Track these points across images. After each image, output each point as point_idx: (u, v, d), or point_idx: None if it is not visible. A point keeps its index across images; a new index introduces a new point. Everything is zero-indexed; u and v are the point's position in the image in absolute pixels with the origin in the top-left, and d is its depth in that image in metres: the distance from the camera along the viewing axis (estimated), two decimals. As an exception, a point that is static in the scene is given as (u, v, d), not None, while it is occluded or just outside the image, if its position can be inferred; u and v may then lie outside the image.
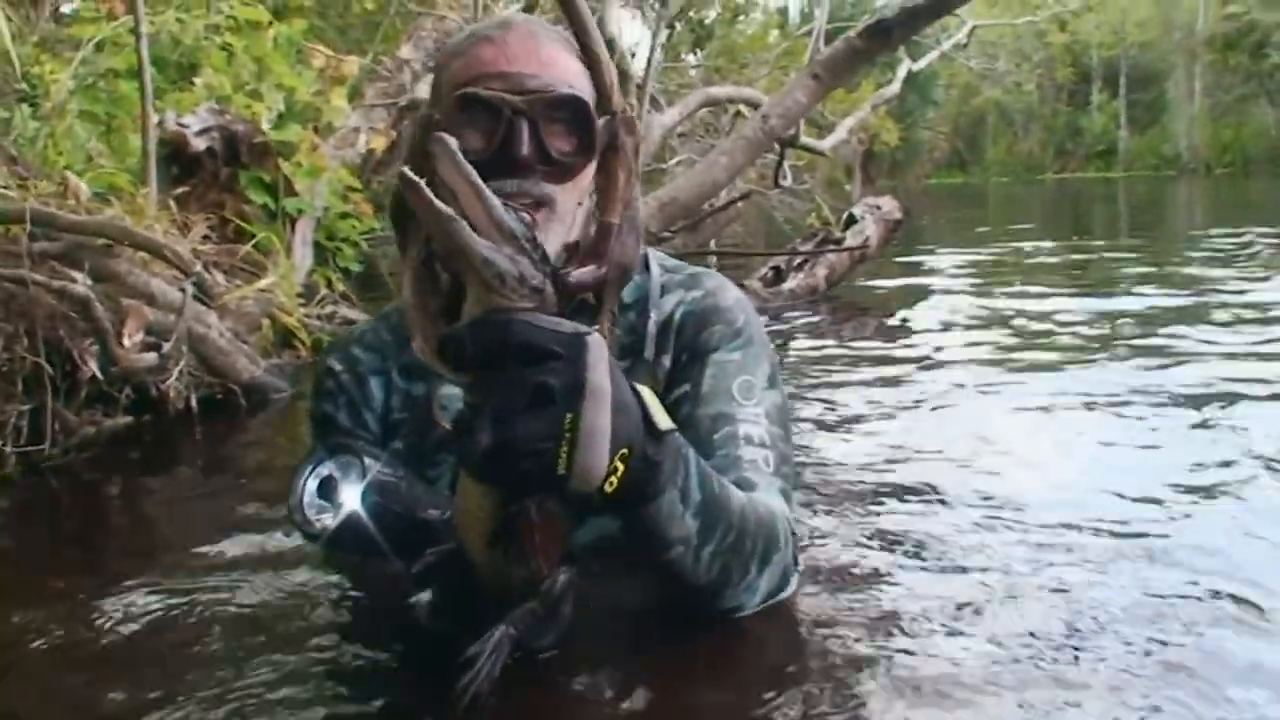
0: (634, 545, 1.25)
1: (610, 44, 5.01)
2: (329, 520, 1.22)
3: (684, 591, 1.30)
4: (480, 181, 1.03)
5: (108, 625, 1.61)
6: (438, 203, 1.00)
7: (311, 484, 1.24)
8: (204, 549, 1.99)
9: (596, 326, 1.44)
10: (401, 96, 7.14)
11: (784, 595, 1.43)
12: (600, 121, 1.38)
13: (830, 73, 4.57)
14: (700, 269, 1.63)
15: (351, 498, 1.22)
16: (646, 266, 1.57)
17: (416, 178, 1.02)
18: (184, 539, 2.10)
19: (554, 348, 1.01)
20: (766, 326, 1.65)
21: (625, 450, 1.07)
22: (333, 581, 1.68)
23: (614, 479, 1.06)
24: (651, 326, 1.53)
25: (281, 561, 1.85)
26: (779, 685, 1.27)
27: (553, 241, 1.35)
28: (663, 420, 1.14)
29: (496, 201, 1.03)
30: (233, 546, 1.98)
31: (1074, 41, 40.30)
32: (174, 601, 1.68)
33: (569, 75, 1.39)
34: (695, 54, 11.97)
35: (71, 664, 1.51)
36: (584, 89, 1.40)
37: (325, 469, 1.25)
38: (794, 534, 1.42)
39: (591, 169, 1.41)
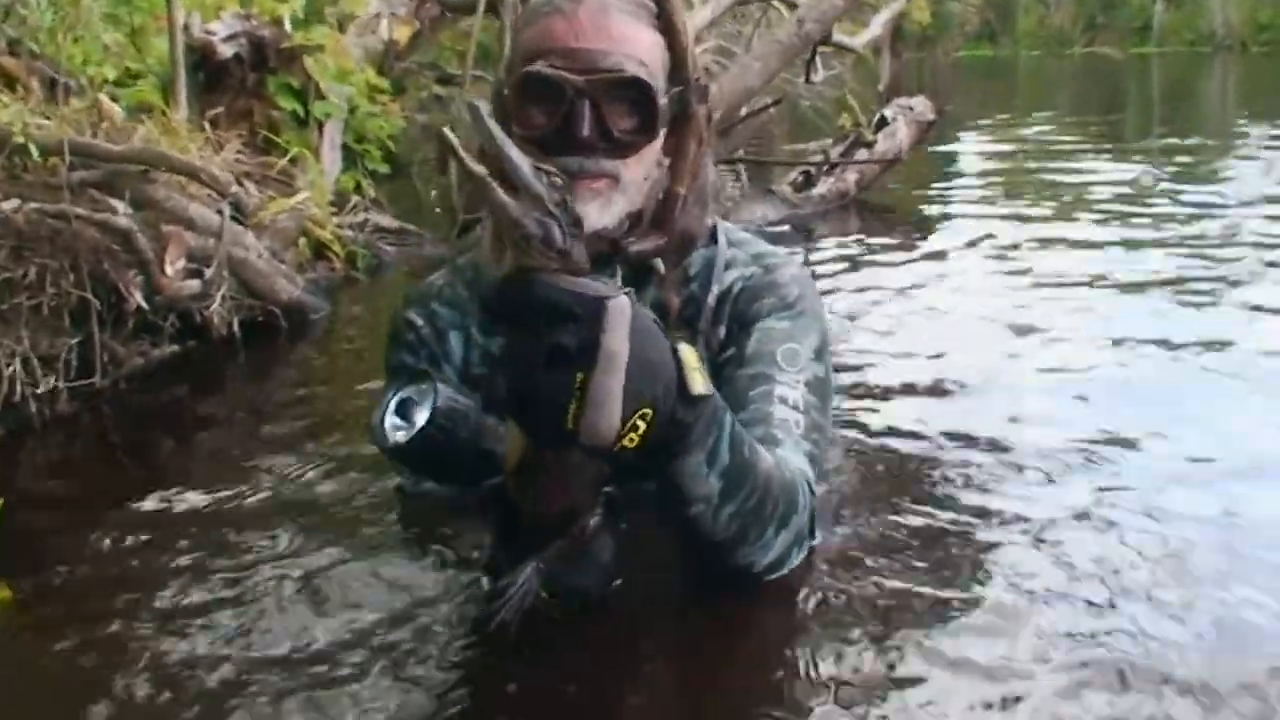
0: (660, 497, 1.29)
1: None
2: (401, 436, 1.29)
3: (699, 544, 1.34)
4: (508, 146, 1.05)
5: (165, 548, 1.75)
6: (471, 163, 1.03)
7: (394, 403, 1.32)
8: (257, 464, 2.15)
9: (659, 292, 1.49)
10: (425, -20, 6.98)
11: (797, 559, 1.44)
12: (673, 91, 1.40)
13: (868, -26, 4.45)
14: (767, 248, 1.64)
15: (423, 419, 1.28)
16: (715, 238, 1.59)
17: (453, 138, 1.04)
18: (237, 459, 2.21)
19: (573, 309, 1.05)
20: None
21: (648, 411, 1.09)
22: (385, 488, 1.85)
23: (635, 436, 1.09)
24: (711, 299, 1.56)
25: (327, 471, 2.04)
26: (810, 648, 1.34)
27: (615, 212, 1.41)
28: (698, 385, 1.16)
29: (525, 166, 1.05)
30: (282, 460, 2.14)
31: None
32: (224, 519, 1.85)
33: (639, 50, 1.39)
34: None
35: (137, 571, 1.67)
36: (655, 61, 1.41)
37: (406, 392, 1.32)
38: (814, 494, 1.44)
39: (658, 144, 1.42)
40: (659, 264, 1.50)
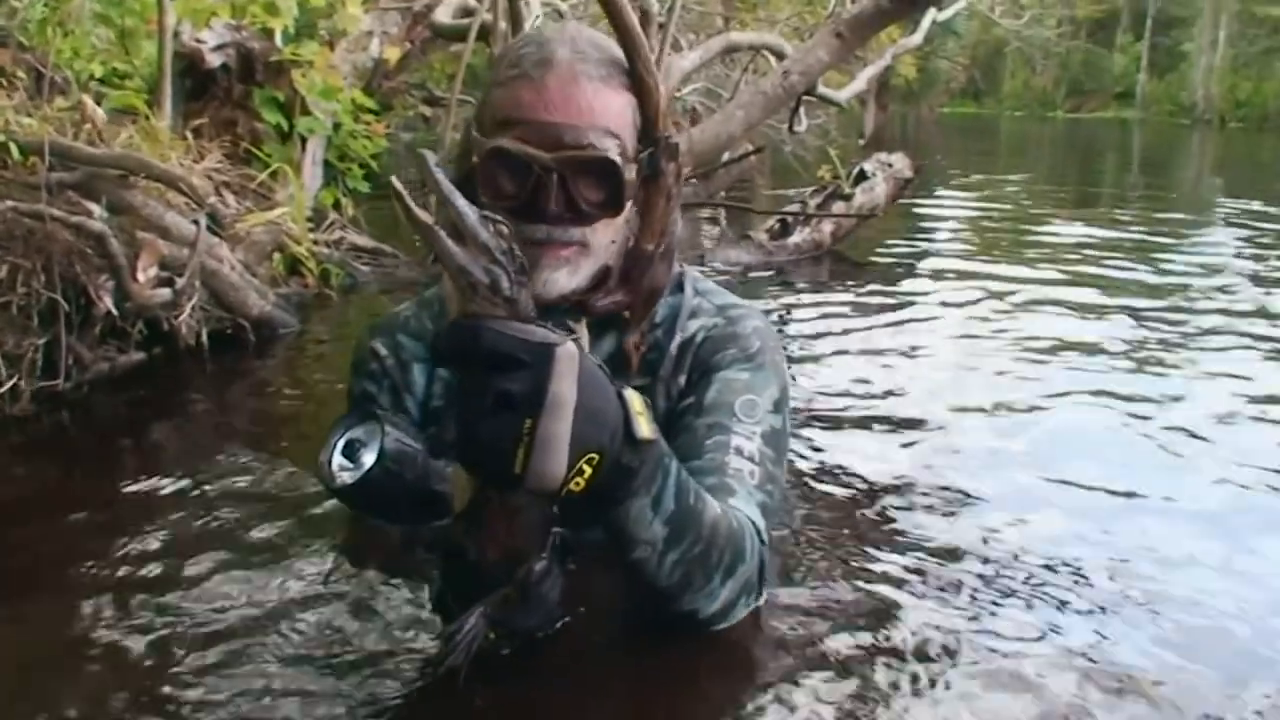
0: (607, 540, 1.30)
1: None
2: (347, 478, 1.30)
3: (644, 590, 1.35)
4: (455, 195, 1.06)
5: (121, 551, 1.75)
6: (417, 211, 1.05)
7: (341, 443, 1.33)
8: (212, 473, 2.15)
9: (629, 340, 1.52)
10: (417, 1, 7.02)
11: (747, 608, 1.45)
12: (643, 154, 1.42)
13: (854, 32, 4.53)
14: (732, 299, 1.66)
15: (370, 461, 1.30)
16: (681, 287, 1.61)
17: (401, 187, 1.06)
18: (193, 467, 2.21)
19: (520, 355, 1.06)
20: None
21: (595, 455, 1.11)
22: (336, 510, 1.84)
23: (580, 480, 1.11)
24: (674, 347, 1.57)
25: (288, 488, 2.04)
26: (758, 689, 1.37)
27: (583, 276, 1.43)
28: (643, 429, 1.18)
29: (472, 215, 1.07)
30: (238, 472, 2.15)
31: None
32: (182, 528, 1.85)
33: (608, 119, 1.40)
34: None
35: (87, 586, 1.64)
36: (625, 127, 1.42)
37: (354, 432, 1.34)
38: (765, 544, 1.45)
39: (624, 213, 1.44)
40: (634, 318, 1.53)
